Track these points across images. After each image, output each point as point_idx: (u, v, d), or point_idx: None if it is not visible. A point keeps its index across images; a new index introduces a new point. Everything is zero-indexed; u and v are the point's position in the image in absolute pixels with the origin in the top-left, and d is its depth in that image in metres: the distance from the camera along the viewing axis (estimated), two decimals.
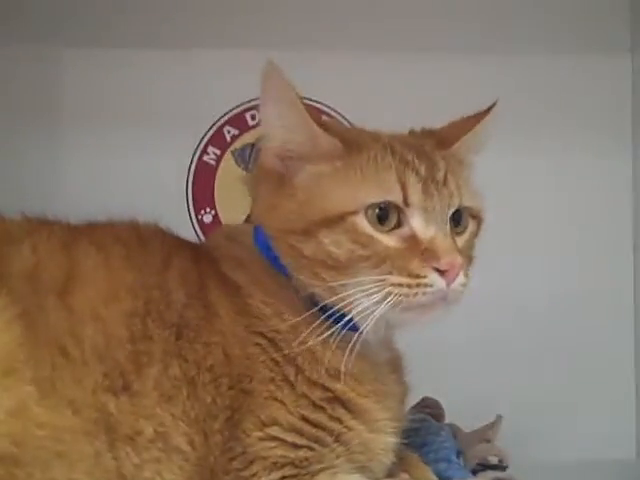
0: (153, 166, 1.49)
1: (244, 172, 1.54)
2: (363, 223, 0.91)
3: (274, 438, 0.90)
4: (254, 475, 0.89)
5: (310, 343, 0.91)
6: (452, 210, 0.94)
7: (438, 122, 1.05)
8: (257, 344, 0.93)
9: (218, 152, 1.56)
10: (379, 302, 0.89)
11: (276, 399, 0.91)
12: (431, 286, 0.89)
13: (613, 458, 1.39)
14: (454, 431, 1.16)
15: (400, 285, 0.89)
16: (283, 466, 0.89)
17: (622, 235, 1.53)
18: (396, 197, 0.91)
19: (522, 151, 1.44)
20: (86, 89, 1.52)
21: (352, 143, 0.94)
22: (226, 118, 1.55)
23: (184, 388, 0.90)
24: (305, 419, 0.91)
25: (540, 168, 1.51)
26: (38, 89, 1.51)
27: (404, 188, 0.91)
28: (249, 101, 1.50)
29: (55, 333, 0.89)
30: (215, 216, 1.56)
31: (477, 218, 0.99)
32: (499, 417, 1.15)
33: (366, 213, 0.91)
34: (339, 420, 0.92)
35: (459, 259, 0.90)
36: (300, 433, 0.90)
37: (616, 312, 1.51)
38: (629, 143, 1.54)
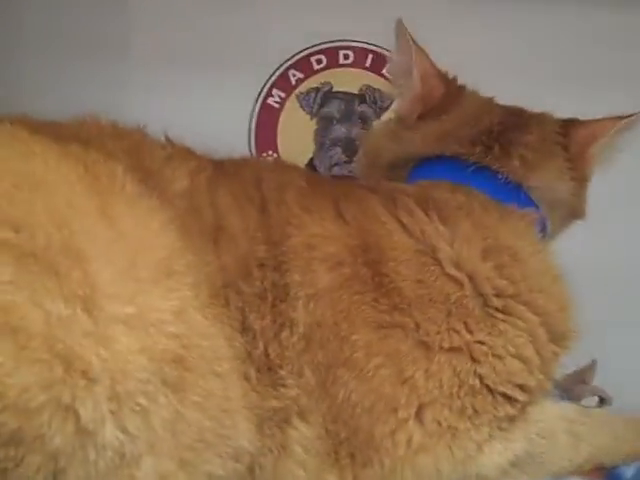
0: (217, 108, 1.49)
1: (308, 116, 1.53)
2: None
3: None
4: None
5: None
6: None
7: None
8: None
9: (283, 95, 1.54)
10: None
11: None
12: None
13: None
14: None
15: None
16: None
17: None
18: None
19: None
20: (153, 30, 1.50)
21: None
22: (292, 61, 1.54)
23: None
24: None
25: None
26: (106, 29, 1.48)
27: None
28: (315, 45, 1.49)
29: (210, 271, 0.89)
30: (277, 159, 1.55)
31: None
32: (594, 361, 1.18)
33: None
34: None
35: None
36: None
37: None
38: None
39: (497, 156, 1.05)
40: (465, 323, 0.91)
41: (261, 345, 0.89)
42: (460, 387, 0.89)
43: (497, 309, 0.92)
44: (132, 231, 0.82)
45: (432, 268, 0.93)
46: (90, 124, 0.95)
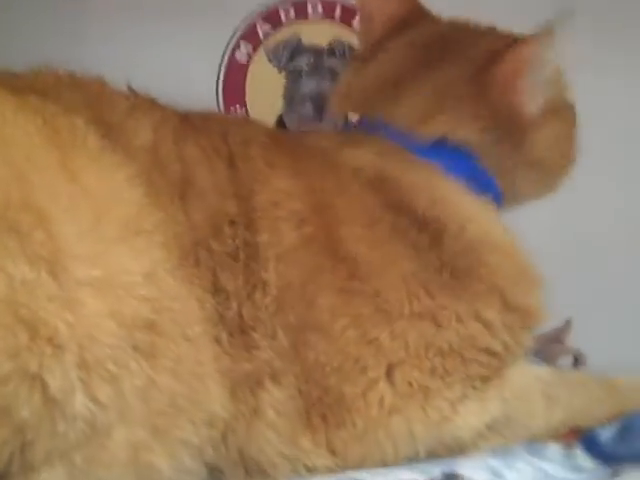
0: (183, 62, 1.44)
1: (277, 70, 1.49)
2: None
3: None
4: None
5: None
6: None
7: None
8: None
9: (250, 49, 1.50)
10: None
11: None
12: None
13: None
14: None
15: None
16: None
17: None
18: None
19: None
20: None
21: None
22: (259, 14, 1.49)
23: None
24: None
25: None
26: None
27: None
28: None
29: (178, 230, 0.85)
30: (245, 114, 1.51)
31: None
32: (569, 320, 1.17)
33: None
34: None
35: None
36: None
37: None
38: None
39: (389, 106, 1.02)
40: (425, 288, 0.89)
41: (234, 306, 0.86)
42: (427, 349, 0.88)
43: (453, 273, 0.90)
44: (96, 187, 0.77)
45: (386, 231, 0.91)
46: (46, 75, 0.90)
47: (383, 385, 0.88)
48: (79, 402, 0.69)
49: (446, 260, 0.91)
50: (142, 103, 0.93)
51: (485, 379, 0.91)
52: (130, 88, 0.96)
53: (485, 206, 0.98)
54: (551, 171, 1.07)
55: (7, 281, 0.67)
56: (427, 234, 0.92)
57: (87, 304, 0.71)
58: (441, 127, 1.00)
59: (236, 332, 0.86)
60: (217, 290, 0.86)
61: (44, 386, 0.67)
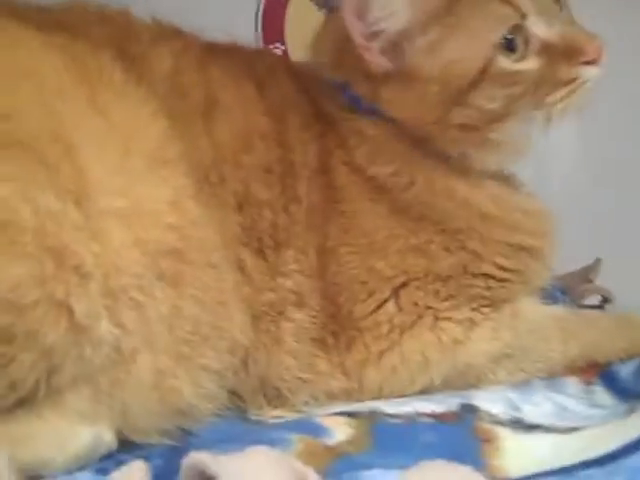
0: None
1: (316, 6, 1.48)
2: (503, 63, 0.88)
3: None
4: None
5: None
6: None
7: None
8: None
9: None
10: (549, 124, 0.90)
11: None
12: (589, 79, 0.90)
13: None
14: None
15: (562, 98, 0.89)
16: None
17: None
18: (513, 18, 0.89)
19: None
20: None
21: None
22: None
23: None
24: (498, 266, 0.93)
25: None
26: None
27: (512, 4, 0.89)
28: None
29: (201, 155, 0.87)
30: (285, 51, 1.51)
31: None
32: (598, 259, 1.17)
33: (498, 52, 0.88)
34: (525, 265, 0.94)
35: (598, 40, 0.90)
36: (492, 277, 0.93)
37: None
38: None
39: None
40: (406, 228, 0.91)
41: (269, 215, 0.89)
42: (426, 275, 0.91)
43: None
44: (122, 121, 0.79)
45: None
46: (75, 10, 0.91)
47: (391, 305, 0.91)
48: (104, 328, 0.72)
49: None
50: (165, 33, 0.95)
51: (493, 305, 0.93)
52: (154, 19, 0.97)
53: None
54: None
55: (34, 211, 0.69)
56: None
57: (113, 234, 0.74)
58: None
59: (268, 249, 0.89)
60: (247, 203, 0.89)
61: (70, 312, 0.70)
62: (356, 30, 0.90)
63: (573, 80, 0.89)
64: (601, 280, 1.18)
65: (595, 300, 1.14)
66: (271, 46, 1.50)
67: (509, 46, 0.89)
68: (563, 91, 0.89)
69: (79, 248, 0.71)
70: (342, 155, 0.94)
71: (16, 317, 0.67)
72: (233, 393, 0.86)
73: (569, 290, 1.13)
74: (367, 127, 0.94)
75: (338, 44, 0.95)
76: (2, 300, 0.67)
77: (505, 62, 0.88)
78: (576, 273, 1.17)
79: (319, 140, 0.94)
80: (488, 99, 0.89)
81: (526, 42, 0.89)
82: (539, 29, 0.89)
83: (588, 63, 0.89)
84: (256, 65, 0.97)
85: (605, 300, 1.13)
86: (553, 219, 0.98)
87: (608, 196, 1.32)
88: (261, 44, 1.49)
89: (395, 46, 0.90)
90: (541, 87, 0.89)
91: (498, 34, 0.88)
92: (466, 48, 0.89)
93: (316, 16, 1.46)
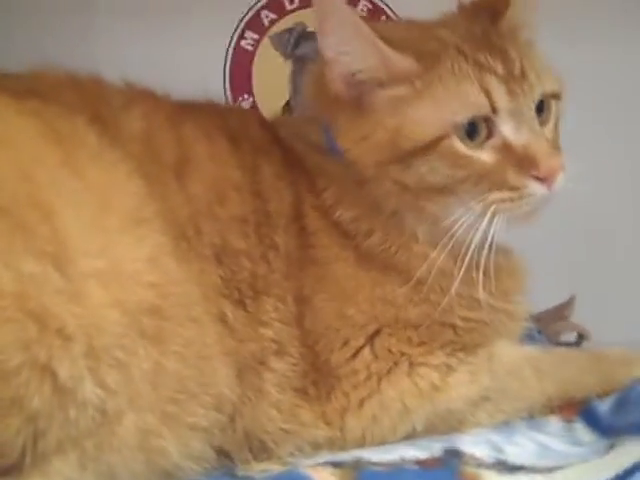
0: (189, 52, 1.45)
1: (282, 57, 1.50)
2: (457, 144, 0.89)
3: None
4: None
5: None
6: (536, 102, 0.92)
7: None
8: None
9: (256, 37, 1.51)
10: (482, 219, 0.88)
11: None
12: (534, 195, 0.89)
13: None
14: None
15: (502, 201, 0.88)
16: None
17: None
18: (484, 108, 0.89)
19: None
20: None
21: (426, 57, 0.90)
22: (263, 2, 1.50)
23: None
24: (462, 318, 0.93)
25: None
26: None
27: (489, 96, 0.89)
28: None
29: (176, 212, 0.88)
30: (253, 102, 1.53)
31: (558, 97, 0.97)
32: (573, 296, 1.18)
33: (456, 132, 0.89)
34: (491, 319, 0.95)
35: (558, 161, 0.89)
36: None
37: None
38: None
39: None
40: (372, 279, 0.93)
41: (247, 265, 0.90)
42: (396, 322, 0.92)
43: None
44: (98, 182, 0.80)
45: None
46: (46, 76, 0.92)
47: (366, 352, 0.92)
48: (88, 389, 0.72)
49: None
50: (135, 95, 0.96)
51: (467, 350, 0.94)
52: (126, 82, 0.98)
53: None
54: None
55: (15, 276, 0.70)
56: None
57: (93, 295, 0.74)
58: None
59: (247, 298, 0.89)
60: (225, 254, 0.90)
61: (54, 376, 0.70)
62: (327, 42, 0.91)
63: (518, 188, 0.88)
64: (576, 317, 1.19)
65: (571, 337, 1.16)
66: (240, 98, 1.51)
67: (469, 132, 0.89)
68: (505, 194, 0.88)
69: (60, 310, 0.72)
70: (312, 199, 0.95)
71: (1, 383, 0.68)
72: (219, 450, 0.86)
73: (545, 328, 1.14)
74: (335, 168, 0.95)
75: (317, 78, 0.98)
76: None
77: (458, 144, 0.88)
78: (551, 310, 1.18)
79: (292, 187, 0.95)
80: (430, 170, 0.89)
81: (488, 135, 0.89)
82: (506, 129, 0.89)
83: (538, 179, 0.88)
84: (228, 120, 0.99)
85: (581, 337, 1.14)
86: (526, 275, 1.00)
87: (580, 233, 1.34)
88: (230, 96, 1.50)
89: (359, 82, 0.91)
90: (486, 181, 0.89)
91: (462, 117, 0.88)
92: (427, 115, 0.89)
93: (283, 67, 1.48)
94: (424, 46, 0.91)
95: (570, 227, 1.26)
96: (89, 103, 0.89)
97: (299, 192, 0.95)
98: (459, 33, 0.93)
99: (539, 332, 1.13)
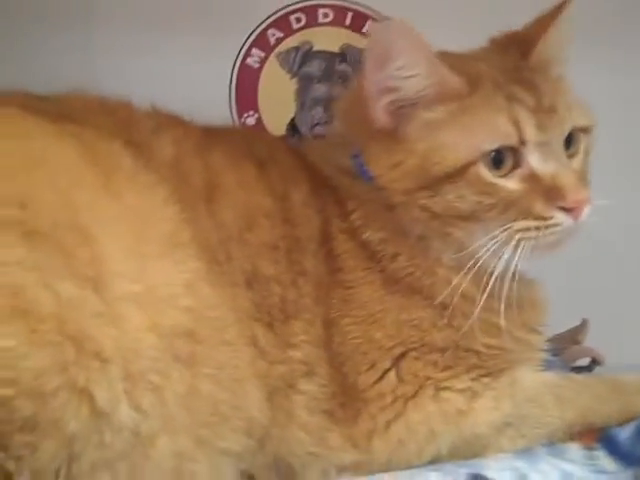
0: (195, 68, 1.44)
1: (288, 75, 1.51)
2: (484, 172, 0.90)
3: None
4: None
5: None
6: (565, 135, 0.94)
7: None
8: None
9: (262, 55, 1.52)
10: (507, 247, 0.89)
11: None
12: (559, 225, 0.90)
13: None
14: None
15: (527, 229, 0.89)
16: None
17: None
18: (512, 139, 0.90)
19: None
20: None
21: (471, 82, 0.92)
22: (270, 21, 1.51)
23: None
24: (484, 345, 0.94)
25: None
26: None
27: (518, 127, 0.90)
28: (293, 3, 1.46)
29: (207, 237, 0.88)
30: (258, 119, 1.53)
31: (588, 131, 0.98)
32: (586, 320, 1.19)
33: (483, 160, 0.90)
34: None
35: (585, 194, 0.90)
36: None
37: None
38: None
39: None
40: (398, 304, 0.93)
41: (277, 290, 0.91)
42: (422, 346, 0.93)
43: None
44: (136, 206, 0.81)
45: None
46: (76, 99, 0.93)
47: (392, 375, 0.92)
48: (124, 413, 0.72)
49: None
50: (164, 121, 0.97)
51: (491, 375, 0.94)
52: (154, 107, 0.99)
53: None
54: None
55: (54, 299, 0.70)
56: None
57: (130, 319, 0.75)
58: None
59: (277, 322, 0.90)
60: (256, 279, 0.90)
61: (91, 399, 0.70)
62: (372, 78, 0.92)
63: (544, 218, 0.90)
64: (589, 341, 1.20)
65: (585, 362, 1.16)
66: (245, 114, 1.51)
67: (495, 160, 0.90)
68: (531, 223, 0.89)
69: (98, 333, 0.72)
70: (340, 223, 0.96)
71: (39, 405, 0.67)
72: (245, 474, 0.86)
73: (559, 352, 1.15)
74: (363, 191, 0.96)
75: (350, 104, 0.99)
76: (27, 389, 0.67)
77: (485, 172, 0.90)
78: (564, 334, 1.18)
79: (321, 212, 0.96)
80: (458, 197, 0.90)
81: (515, 165, 0.90)
82: (533, 159, 0.90)
83: (565, 210, 0.89)
84: (255, 146, 1.00)
85: (594, 362, 1.15)
86: (547, 306, 1.01)
87: (593, 257, 1.34)
88: (235, 112, 1.50)
89: (400, 109, 0.93)
90: (512, 209, 0.90)
91: (489, 146, 0.90)
92: (457, 141, 0.90)
93: (288, 85, 1.48)
94: (467, 72, 0.93)
95: (583, 250, 1.26)
96: (121, 127, 0.90)
97: (327, 216, 0.96)
98: (493, 64, 0.95)
99: (554, 355, 1.13)
